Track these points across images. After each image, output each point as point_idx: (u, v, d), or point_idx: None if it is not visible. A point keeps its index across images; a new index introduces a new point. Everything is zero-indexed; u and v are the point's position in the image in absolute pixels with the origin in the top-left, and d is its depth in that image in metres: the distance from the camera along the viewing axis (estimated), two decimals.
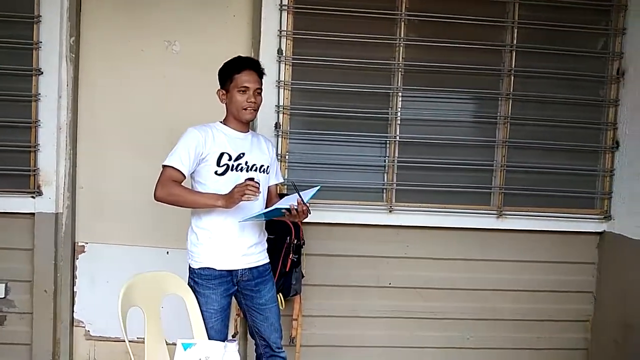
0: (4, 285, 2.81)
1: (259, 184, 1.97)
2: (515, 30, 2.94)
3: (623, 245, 2.91)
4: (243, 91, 2.11)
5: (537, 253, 3.05)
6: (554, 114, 3.02)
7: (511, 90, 2.97)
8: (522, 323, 3.07)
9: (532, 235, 3.03)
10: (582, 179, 3.08)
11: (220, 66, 2.17)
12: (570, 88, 3.02)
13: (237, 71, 2.12)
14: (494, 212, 3.00)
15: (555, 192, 3.04)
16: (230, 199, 1.98)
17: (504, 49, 2.97)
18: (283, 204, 2.06)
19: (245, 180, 1.98)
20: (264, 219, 2.18)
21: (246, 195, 1.94)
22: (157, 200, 2.07)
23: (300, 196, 2.02)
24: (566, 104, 3.02)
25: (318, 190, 2.08)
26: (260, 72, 2.17)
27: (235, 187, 1.98)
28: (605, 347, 3.02)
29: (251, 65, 2.16)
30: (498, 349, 3.07)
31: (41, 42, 2.72)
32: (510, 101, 2.98)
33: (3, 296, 2.81)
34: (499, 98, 3.00)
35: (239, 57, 2.20)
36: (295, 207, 2.01)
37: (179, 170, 2.05)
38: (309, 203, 2.06)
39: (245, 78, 2.11)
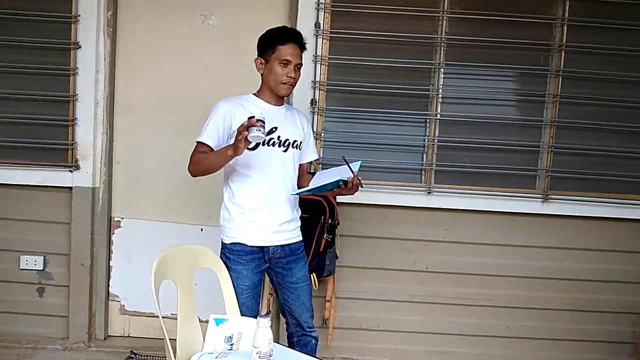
0: (42, 257, 2.87)
1: (262, 121, 1.79)
2: (567, 2, 2.78)
3: None
4: (284, 64, 2.04)
5: (584, 240, 2.91)
6: (606, 93, 2.85)
7: (561, 66, 2.81)
8: (565, 313, 2.94)
9: (580, 222, 2.88)
10: (635, 163, 2.91)
11: (262, 33, 2.10)
12: (625, 65, 2.84)
13: (281, 42, 2.04)
14: (540, 196, 2.86)
15: (605, 176, 2.88)
16: (235, 145, 1.84)
17: (554, 22, 2.82)
18: (337, 175, 1.99)
19: (244, 122, 1.81)
20: (317, 192, 2.10)
21: (249, 135, 1.77)
22: (192, 176, 2.07)
23: (351, 170, 1.97)
24: (620, 82, 2.85)
25: (361, 164, 2.03)
26: (302, 46, 2.10)
27: (238, 129, 1.83)
28: None
29: (296, 38, 2.08)
30: (539, 339, 2.95)
31: (79, 16, 2.73)
32: (560, 78, 2.82)
33: (42, 268, 2.87)
34: (548, 75, 2.85)
35: (285, 27, 2.14)
36: (353, 181, 1.96)
37: (207, 145, 2.03)
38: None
39: (288, 51, 2.04)
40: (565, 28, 2.79)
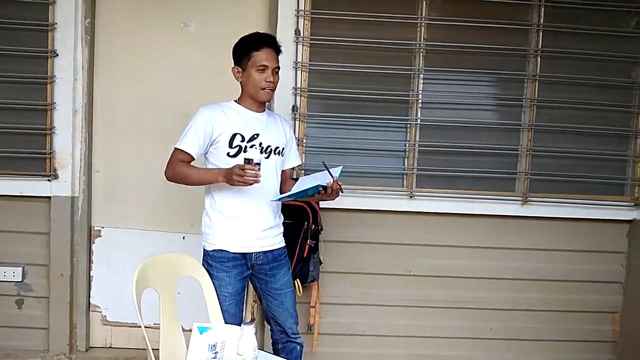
0: (21, 268, 2.81)
1: (259, 164, 1.90)
2: (542, 9, 2.83)
3: None
4: (262, 70, 2.04)
5: (563, 241, 2.95)
6: (582, 97, 2.90)
7: (538, 71, 2.86)
8: (547, 314, 2.97)
9: (559, 223, 2.93)
10: (611, 165, 2.97)
11: (236, 42, 2.10)
12: (600, 69, 2.90)
13: (255, 48, 2.04)
14: (519, 198, 2.90)
15: (583, 178, 2.93)
16: (229, 179, 1.93)
17: (530, 28, 2.86)
18: (317, 181, 2.00)
19: (244, 163, 1.90)
20: (297, 198, 2.10)
21: (243, 183, 1.89)
22: (168, 180, 2.10)
23: (331, 174, 1.98)
24: (595, 86, 2.90)
25: (342, 169, 2.04)
26: (278, 50, 2.11)
27: (235, 167, 1.91)
28: (634, 340, 2.90)
29: (270, 42, 2.08)
30: (521, 340, 2.98)
31: (56, 24, 2.70)
32: (537, 83, 2.87)
33: (20, 280, 2.81)
34: (525, 80, 2.90)
35: (257, 33, 2.13)
36: (332, 186, 1.97)
37: (186, 152, 2.04)
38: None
39: (263, 56, 2.04)
40: (541, 34, 2.84)
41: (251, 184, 1.89)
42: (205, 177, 2.04)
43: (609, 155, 2.95)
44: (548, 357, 3.00)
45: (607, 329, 3.02)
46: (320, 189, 1.98)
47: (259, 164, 1.90)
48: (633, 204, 2.93)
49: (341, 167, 2.05)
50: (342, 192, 2.05)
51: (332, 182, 1.98)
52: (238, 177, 1.88)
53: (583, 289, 2.98)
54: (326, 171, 2.00)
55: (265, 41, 2.07)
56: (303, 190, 2.00)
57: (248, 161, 1.90)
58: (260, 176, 1.89)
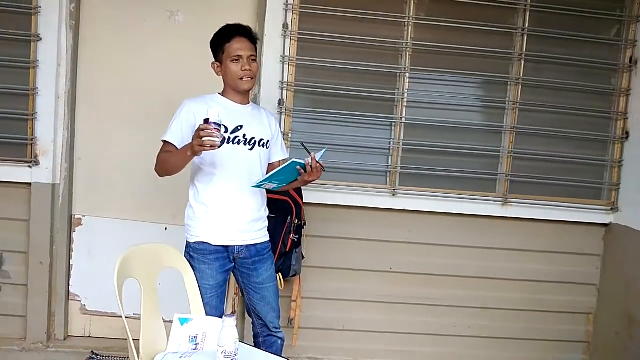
0: None
1: (218, 125, 1.78)
2: (528, 14, 2.87)
3: (629, 237, 2.86)
4: (237, 60, 2.04)
5: (541, 243, 3.00)
6: (563, 101, 2.95)
7: (521, 75, 2.90)
8: (523, 313, 3.03)
9: (537, 225, 2.98)
10: (590, 169, 3.03)
11: (211, 39, 2.11)
12: (582, 75, 2.95)
13: (227, 40, 2.05)
14: (500, 199, 2.94)
15: (562, 181, 2.99)
16: (192, 148, 1.83)
17: (515, 32, 2.90)
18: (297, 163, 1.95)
19: (200, 125, 1.81)
20: (278, 182, 2.03)
21: (204, 145, 1.77)
22: (159, 176, 2.08)
23: (309, 153, 1.95)
24: (577, 92, 2.95)
25: (325, 152, 2.01)
26: (252, 38, 2.10)
27: (195, 132, 1.83)
28: (607, 340, 2.98)
29: (241, 32, 2.08)
30: (498, 339, 3.04)
31: (40, 7, 2.65)
32: (520, 86, 2.91)
33: None
34: (508, 83, 2.93)
35: (227, 25, 2.12)
36: (310, 163, 1.93)
37: (171, 144, 2.03)
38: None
39: (236, 46, 2.04)
40: (525, 38, 2.88)
41: (211, 147, 1.78)
42: (179, 155, 1.97)
43: (587, 160, 3.00)
44: (524, 356, 3.06)
45: (581, 330, 3.08)
46: (298, 167, 1.94)
47: (217, 124, 1.78)
48: (609, 208, 3.00)
49: (324, 150, 2.01)
50: (325, 171, 2.02)
51: (310, 160, 1.94)
52: (196, 140, 1.79)
53: (559, 290, 3.04)
54: (317, 153, 1.97)
55: (236, 31, 2.07)
56: (280, 170, 1.94)
57: (206, 121, 1.78)
58: (219, 137, 1.78)
